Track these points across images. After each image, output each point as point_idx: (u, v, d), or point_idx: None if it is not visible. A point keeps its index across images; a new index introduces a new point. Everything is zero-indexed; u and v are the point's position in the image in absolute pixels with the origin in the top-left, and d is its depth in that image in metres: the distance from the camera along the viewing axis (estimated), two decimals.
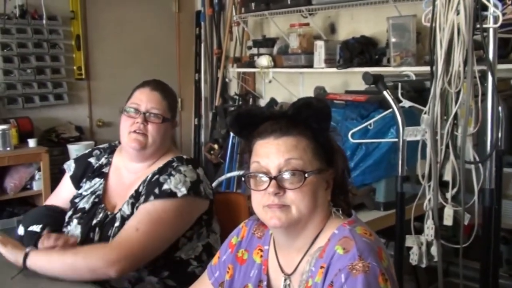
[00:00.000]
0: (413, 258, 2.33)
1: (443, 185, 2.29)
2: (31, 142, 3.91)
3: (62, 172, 2.06)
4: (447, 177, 2.27)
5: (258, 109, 1.32)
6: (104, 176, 1.95)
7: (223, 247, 1.49)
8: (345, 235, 1.19)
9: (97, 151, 2.04)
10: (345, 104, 2.97)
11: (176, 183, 1.75)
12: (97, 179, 1.95)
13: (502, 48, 2.25)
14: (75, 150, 4.01)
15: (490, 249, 2.21)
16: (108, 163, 1.98)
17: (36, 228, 1.82)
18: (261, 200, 1.24)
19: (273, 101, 4.07)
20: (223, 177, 3.05)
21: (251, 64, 4.26)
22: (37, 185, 3.93)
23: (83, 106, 4.60)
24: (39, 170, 3.91)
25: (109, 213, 1.83)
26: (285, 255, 1.31)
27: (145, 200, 1.74)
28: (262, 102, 4.59)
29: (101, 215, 1.83)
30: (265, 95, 4.62)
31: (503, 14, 2.08)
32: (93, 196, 1.90)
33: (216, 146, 4.27)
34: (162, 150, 1.90)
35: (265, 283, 1.33)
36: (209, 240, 1.88)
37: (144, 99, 1.85)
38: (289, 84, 4.29)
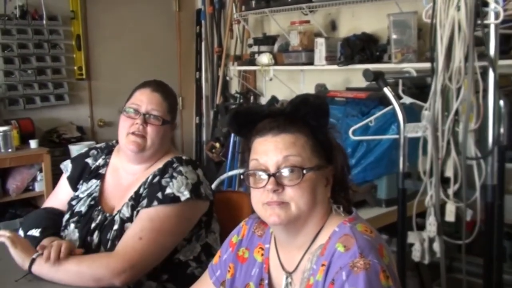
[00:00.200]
0: (415, 255, 2.32)
1: (444, 181, 2.28)
2: (33, 143, 3.91)
3: (62, 173, 2.04)
4: (449, 173, 2.26)
5: (257, 107, 1.32)
6: (101, 177, 1.92)
7: (224, 246, 1.49)
8: (345, 232, 1.19)
9: (94, 151, 2.01)
10: (346, 101, 2.97)
11: (178, 187, 1.73)
12: (93, 181, 1.92)
13: (503, 44, 2.24)
14: (76, 150, 4.00)
15: (493, 245, 2.20)
16: (106, 164, 1.96)
17: (35, 232, 1.79)
18: (260, 197, 1.24)
19: (274, 99, 4.06)
20: (224, 176, 3.05)
21: (252, 62, 4.26)
22: (39, 186, 3.93)
23: (84, 106, 4.60)
24: (41, 171, 3.90)
25: (107, 215, 1.81)
26: (286, 253, 1.31)
27: (148, 205, 1.72)
28: (263, 100, 4.58)
29: (99, 217, 1.80)
30: (266, 93, 4.61)
31: (504, 10, 2.07)
32: (89, 199, 1.87)
33: (217, 145, 4.26)
34: (161, 152, 1.87)
35: (266, 281, 1.33)
36: (207, 240, 1.87)
37: (145, 100, 1.82)
38: (290, 81, 4.29)
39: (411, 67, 2.90)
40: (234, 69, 4.70)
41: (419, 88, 2.76)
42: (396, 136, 2.39)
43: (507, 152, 2.29)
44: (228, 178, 3.62)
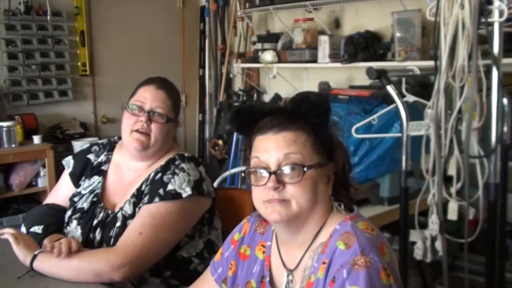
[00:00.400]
0: (418, 253, 2.33)
1: (447, 180, 2.28)
2: (36, 139, 3.91)
3: (65, 168, 2.04)
4: (452, 171, 2.26)
5: (258, 105, 1.32)
6: (103, 174, 1.92)
7: (226, 244, 1.49)
8: (346, 230, 1.19)
9: (96, 147, 2.01)
10: (349, 99, 2.97)
11: (180, 183, 1.73)
12: (96, 177, 1.92)
13: (507, 42, 2.23)
14: (79, 146, 4.00)
15: (495, 243, 2.20)
16: (108, 160, 1.95)
17: (37, 229, 1.80)
18: (261, 195, 1.24)
19: (277, 97, 4.06)
20: (227, 173, 3.05)
21: (255, 59, 4.25)
22: (42, 182, 3.94)
23: (88, 102, 4.60)
24: (44, 166, 3.91)
25: (109, 212, 1.81)
26: (287, 251, 1.31)
27: (149, 201, 1.72)
28: (267, 98, 4.58)
29: (101, 214, 1.80)
30: (269, 90, 4.61)
31: (509, 8, 2.06)
32: (92, 195, 1.87)
33: (220, 142, 4.26)
34: (164, 149, 1.87)
35: (267, 279, 1.33)
36: (210, 237, 1.87)
37: (149, 98, 1.82)
38: (294, 79, 4.28)
39: (415, 65, 2.89)
40: (237, 66, 4.70)
41: (422, 86, 2.76)
42: (399, 134, 2.39)
43: (510, 151, 2.28)
44: (230, 176, 3.62)
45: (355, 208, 1.30)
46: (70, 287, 1.57)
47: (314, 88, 3.59)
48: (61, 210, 1.93)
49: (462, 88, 2.16)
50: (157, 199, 1.71)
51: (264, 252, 1.37)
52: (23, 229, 1.84)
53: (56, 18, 4.25)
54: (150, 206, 1.71)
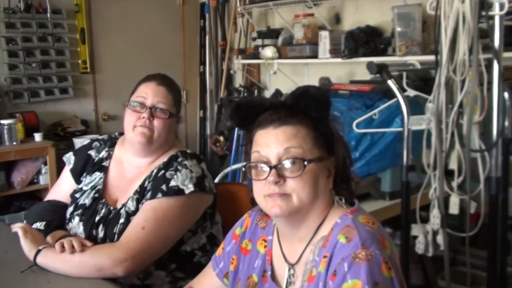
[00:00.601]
0: (419, 247, 2.33)
1: (448, 174, 2.28)
2: (37, 137, 3.92)
3: (64, 165, 2.04)
4: (453, 165, 2.27)
5: (258, 100, 1.31)
6: (104, 170, 1.92)
7: (227, 238, 1.49)
8: (347, 224, 1.19)
9: (96, 143, 2.01)
10: (350, 94, 2.97)
11: (183, 180, 1.74)
12: (97, 173, 1.92)
13: (508, 36, 2.22)
14: (81, 143, 3.96)
15: (497, 237, 2.20)
16: (109, 156, 1.95)
17: (39, 225, 1.81)
18: (262, 189, 1.24)
19: (278, 93, 4.06)
20: (228, 169, 3.05)
21: (256, 55, 4.25)
22: (44, 179, 3.95)
23: (89, 99, 4.60)
24: (45, 164, 3.92)
25: (112, 208, 1.81)
26: (288, 245, 1.31)
27: (152, 197, 1.72)
28: (267, 94, 4.58)
29: (103, 210, 1.81)
30: (270, 86, 4.61)
31: (509, 1, 2.06)
32: (94, 191, 1.87)
33: (221, 138, 4.26)
34: (166, 146, 1.88)
35: (269, 273, 1.33)
36: (212, 231, 1.88)
37: (150, 94, 1.82)
38: (294, 75, 4.28)
39: (416, 60, 2.89)
40: (238, 62, 4.69)
41: (423, 80, 2.75)
42: (400, 129, 2.39)
43: (511, 145, 2.28)
44: (232, 172, 3.62)
45: (356, 202, 1.30)
46: (72, 283, 1.57)
47: (314, 83, 3.58)
48: (62, 206, 1.93)
49: (463, 82, 2.16)
50: (159, 194, 1.71)
51: (265, 246, 1.37)
52: None
53: (56, 16, 4.25)
54: (152, 202, 1.71)
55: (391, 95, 2.43)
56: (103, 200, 1.84)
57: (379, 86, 2.79)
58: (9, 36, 4.06)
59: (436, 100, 2.22)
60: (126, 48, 4.72)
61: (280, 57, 4.02)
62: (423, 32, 3.15)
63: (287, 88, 4.16)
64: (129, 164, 1.91)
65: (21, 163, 3.90)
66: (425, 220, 2.35)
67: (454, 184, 2.28)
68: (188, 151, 1.87)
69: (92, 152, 1.98)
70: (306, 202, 1.22)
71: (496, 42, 2.08)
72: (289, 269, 1.29)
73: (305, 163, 1.21)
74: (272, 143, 1.23)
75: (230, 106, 1.32)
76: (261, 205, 1.26)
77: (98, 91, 4.64)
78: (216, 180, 2.71)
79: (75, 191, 1.92)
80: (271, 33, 4.20)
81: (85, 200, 1.86)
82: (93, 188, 1.88)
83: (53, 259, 1.60)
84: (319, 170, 1.24)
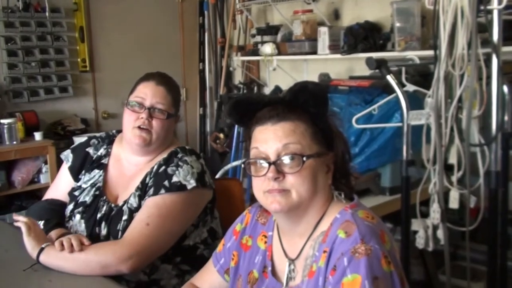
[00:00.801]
0: (419, 242, 2.33)
1: (448, 169, 2.29)
2: (37, 136, 3.92)
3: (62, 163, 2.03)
4: (452, 160, 2.27)
5: (256, 96, 1.31)
6: (104, 167, 1.92)
7: (228, 235, 1.49)
8: (346, 219, 1.19)
9: (94, 141, 2.00)
10: (349, 90, 2.97)
11: (185, 175, 1.75)
12: (96, 171, 1.92)
13: (506, 30, 2.22)
14: None
15: (497, 232, 2.20)
16: (107, 154, 1.95)
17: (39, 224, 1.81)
18: (261, 185, 1.24)
19: (277, 89, 4.06)
20: (228, 166, 3.06)
21: (255, 52, 4.25)
22: (45, 178, 3.94)
23: (88, 98, 4.60)
24: (46, 163, 3.92)
25: (113, 205, 1.81)
26: (288, 240, 1.32)
27: (155, 193, 1.73)
28: (267, 90, 4.58)
29: (104, 208, 1.81)
30: (270, 83, 4.61)
31: None
32: (94, 189, 1.87)
33: (221, 135, 4.26)
34: (164, 145, 1.88)
35: (269, 268, 1.34)
36: (212, 225, 1.90)
37: (149, 94, 1.82)
38: (294, 71, 4.28)
39: (415, 55, 2.89)
40: (237, 59, 4.70)
41: (422, 75, 2.75)
42: (400, 124, 2.39)
43: (511, 139, 2.28)
44: (232, 169, 3.63)
45: (355, 197, 1.30)
46: (72, 281, 1.57)
47: (314, 79, 3.57)
48: (60, 204, 1.93)
49: (462, 76, 2.16)
50: (163, 190, 1.72)
51: (265, 242, 1.38)
52: None
53: (55, 15, 4.24)
54: (155, 198, 1.72)
55: (391, 90, 2.43)
56: (104, 198, 1.84)
57: (378, 81, 2.79)
58: (8, 35, 4.05)
59: (435, 95, 2.22)
60: (125, 46, 4.71)
61: (279, 53, 4.02)
62: (422, 27, 3.15)
63: (286, 84, 4.15)
64: (128, 162, 1.91)
65: (21, 162, 3.90)
66: (425, 215, 2.36)
67: (454, 178, 2.28)
68: (186, 147, 1.88)
69: (90, 150, 1.98)
70: (305, 197, 1.22)
71: (495, 36, 2.08)
72: (289, 265, 1.29)
73: (304, 158, 1.21)
74: (270, 139, 1.23)
75: (228, 103, 1.33)
76: (261, 201, 1.27)
77: (97, 89, 4.63)
78: (217, 177, 2.72)
79: (73, 189, 1.92)
80: (270, 30, 4.20)
81: (86, 197, 1.86)
82: (93, 185, 1.89)
83: (56, 257, 1.61)
84: (318, 165, 1.24)
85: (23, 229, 1.66)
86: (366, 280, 1.08)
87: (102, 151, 1.97)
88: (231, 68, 4.86)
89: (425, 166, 2.33)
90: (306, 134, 1.24)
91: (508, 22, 2.33)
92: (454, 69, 2.15)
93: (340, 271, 1.12)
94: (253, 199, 1.35)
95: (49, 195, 2.01)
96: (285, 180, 1.21)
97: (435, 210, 2.28)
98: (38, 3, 4.14)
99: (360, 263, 1.10)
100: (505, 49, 2.21)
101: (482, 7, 2.06)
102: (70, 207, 1.88)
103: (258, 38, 4.27)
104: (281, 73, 4.27)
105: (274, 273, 1.33)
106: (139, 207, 1.75)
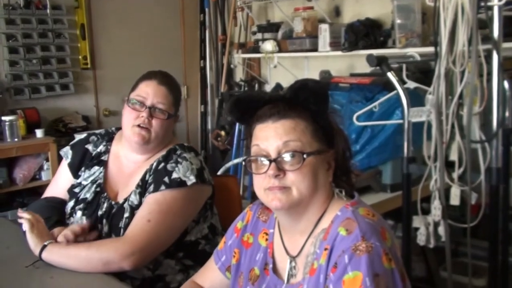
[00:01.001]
0: (421, 239, 2.34)
1: (449, 165, 2.29)
2: (39, 133, 3.92)
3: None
4: (453, 157, 2.27)
5: (257, 94, 1.32)
6: (104, 164, 1.93)
7: (229, 232, 1.50)
8: (347, 216, 1.19)
9: (93, 137, 2.00)
10: (350, 87, 2.96)
11: (184, 172, 1.76)
12: (96, 168, 1.93)
13: (507, 26, 2.22)
14: None
15: (498, 228, 2.21)
16: (107, 151, 1.96)
17: None
18: (262, 183, 1.24)
19: (278, 86, 4.05)
20: (230, 163, 3.06)
21: (256, 49, 4.25)
22: (46, 175, 3.94)
23: (89, 95, 4.60)
24: (47, 160, 3.92)
25: (113, 202, 1.82)
26: (289, 238, 1.32)
27: (155, 190, 1.74)
28: (268, 87, 4.57)
29: (105, 205, 1.81)
30: (271, 80, 4.61)
31: None
32: (94, 185, 1.87)
33: (223, 133, 4.26)
34: (163, 143, 1.89)
35: (271, 265, 1.34)
36: (212, 221, 1.91)
37: (151, 93, 1.82)
38: (294, 68, 4.28)
39: (415, 52, 2.89)
40: (238, 57, 4.69)
41: (423, 72, 2.75)
42: (401, 121, 2.39)
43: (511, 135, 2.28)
44: (233, 166, 3.62)
45: (356, 194, 1.30)
46: (74, 278, 1.58)
47: (315, 77, 3.58)
48: (60, 202, 1.94)
49: (462, 73, 2.16)
50: (163, 187, 1.73)
51: (267, 239, 1.38)
52: None
53: (56, 12, 4.24)
54: (156, 195, 1.73)
55: (391, 87, 2.43)
56: (105, 194, 1.85)
57: (379, 78, 2.79)
58: (9, 32, 4.05)
59: (436, 92, 2.22)
60: (126, 43, 4.71)
61: (280, 50, 4.02)
62: (423, 24, 3.15)
63: (287, 81, 4.14)
64: (126, 159, 1.92)
65: (23, 160, 3.90)
66: (426, 211, 2.36)
67: (455, 175, 2.28)
68: (185, 144, 1.89)
69: (90, 146, 1.98)
70: (306, 194, 1.22)
71: (495, 33, 2.08)
72: (290, 262, 1.30)
73: (304, 156, 1.21)
74: (271, 136, 1.24)
75: (229, 101, 1.33)
76: (262, 198, 1.27)
77: (99, 86, 4.63)
78: (218, 174, 2.73)
79: (73, 186, 1.93)
80: (271, 27, 4.20)
81: (86, 194, 1.87)
82: (93, 182, 1.89)
83: (59, 254, 1.61)
84: (318, 163, 1.24)
85: (26, 225, 1.66)
86: (367, 277, 1.08)
87: (101, 147, 1.97)
88: (232, 66, 4.86)
89: (426, 163, 2.33)
90: (307, 132, 1.24)
91: (509, 18, 2.33)
92: (454, 65, 2.15)
93: (341, 268, 1.12)
94: (254, 197, 1.35)
95: (49, 191, 2.02)
96: (286, 178, 1.21)
97: (436, 207, 2.28)
98: (39, 0, 4.14)
99: (361, 260, 1.10)
100: (506, 45, 2.21)
101: (482, 4, 2.06)
102: (71, 204, 1.89)
103: (259, 35, 4.26)
104: (282, 70, 4.27)
105: (275, 270, 1.33)
106: (140, 204, 1.76)
